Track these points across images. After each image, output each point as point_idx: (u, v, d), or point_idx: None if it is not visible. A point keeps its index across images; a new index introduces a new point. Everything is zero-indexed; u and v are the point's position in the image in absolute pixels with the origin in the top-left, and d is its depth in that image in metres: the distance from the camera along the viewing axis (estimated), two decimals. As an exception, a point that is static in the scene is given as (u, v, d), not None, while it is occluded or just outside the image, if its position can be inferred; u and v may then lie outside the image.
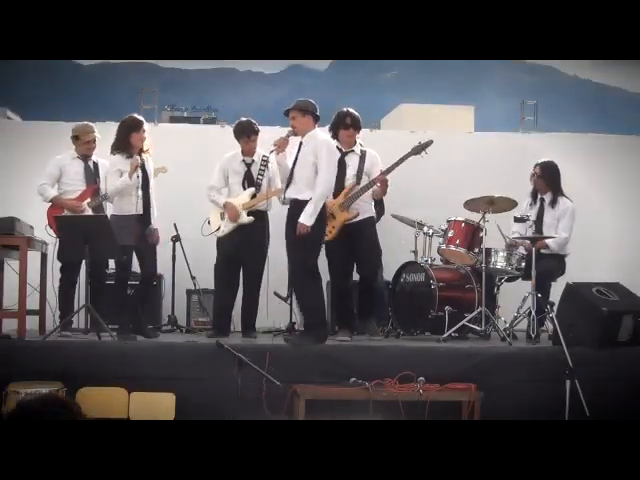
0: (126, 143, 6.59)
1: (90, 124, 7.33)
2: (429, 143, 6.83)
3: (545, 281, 6.92)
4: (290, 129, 6.38)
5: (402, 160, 6.81)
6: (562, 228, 7.21)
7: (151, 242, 6.73)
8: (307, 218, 6.13)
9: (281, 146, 6.36)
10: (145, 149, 6.71)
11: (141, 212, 6.56)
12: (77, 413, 2.65)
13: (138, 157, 6.58)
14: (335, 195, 6.73)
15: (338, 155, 6.56)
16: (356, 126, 6.83)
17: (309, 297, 6.26)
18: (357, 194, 6.76)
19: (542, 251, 7.05)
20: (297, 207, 6.23)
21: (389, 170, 6.78)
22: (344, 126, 6.81)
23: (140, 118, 6.73)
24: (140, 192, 6.54)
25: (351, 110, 6.89)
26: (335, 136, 6.86)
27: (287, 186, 6.37)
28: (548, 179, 7.31)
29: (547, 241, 7.08)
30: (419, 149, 6.84)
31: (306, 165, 6.25)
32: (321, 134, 6.42)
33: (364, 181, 6.82)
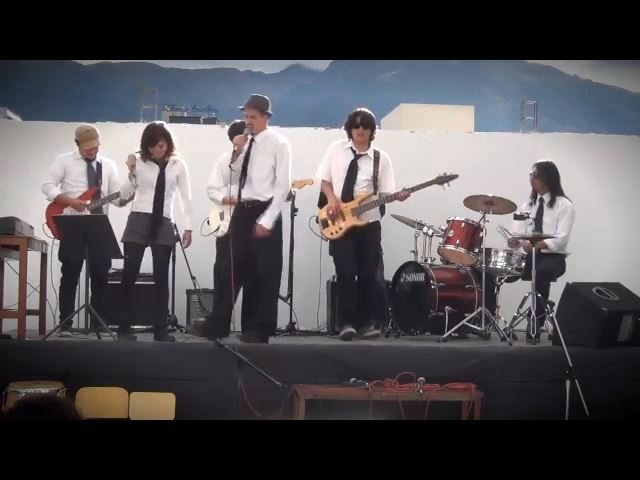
0: (145, 151, 6.53)
1: (93, 129, 7.21)
2: (454, 177, 6.84)
3: (545, 281, 6.92)
4: (248, 128, 6.40)
5: (424, 185, 6.83)
6: (561, 228, 7.21)
7: (166, 243, 6.66)
8: (268, 221, 6.24)
9: (242, 145, 6.39)
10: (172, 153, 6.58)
11: (150, 211, 6.47)
12: (75, 414, 2.65)
13: (135, 155, 6.48)
14: (345, 198, 6.80)
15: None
16: (366, 124, 6.81)
17: (270, 298, 6.37)
18: (372, 205, 6.82)
19: (542, 251, 7.05)
20: (256, 208, 6.30)
21: (413, 190, 6.79)
22: (354, 125, 6.84)
23: (158, 131, 6.50)
24: (153, 192, 6.47)
25: (362, 109, 6.91)
26: (350, 137, 6.92)
27: (242, 185, 6.38)
28: (545, 179, 7.31)
29: (546, 241, 7.08)
30: (443, 180, 6.84)
31: (264, 167, 6.36)
32: (280, 136, 6.49)
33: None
